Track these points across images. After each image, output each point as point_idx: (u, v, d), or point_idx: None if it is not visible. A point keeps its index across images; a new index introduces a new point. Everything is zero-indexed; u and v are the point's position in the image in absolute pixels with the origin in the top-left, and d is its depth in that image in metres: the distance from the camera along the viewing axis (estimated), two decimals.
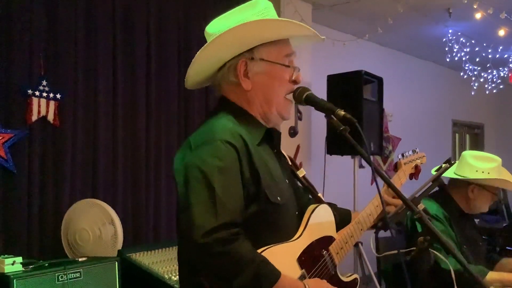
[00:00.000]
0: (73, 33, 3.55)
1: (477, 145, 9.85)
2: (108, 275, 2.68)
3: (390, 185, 1.42)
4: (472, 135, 9.99)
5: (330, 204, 1.90)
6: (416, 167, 1.90)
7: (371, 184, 4.77)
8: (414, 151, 1.93)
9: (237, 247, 1.34)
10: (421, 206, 1.49)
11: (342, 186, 4.83)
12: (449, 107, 8.71)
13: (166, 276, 2.73)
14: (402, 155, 1.90)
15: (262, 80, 1.58)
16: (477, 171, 2.67)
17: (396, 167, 1.86)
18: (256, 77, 1.57)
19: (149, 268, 2.75)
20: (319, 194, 1.77)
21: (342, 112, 1.47)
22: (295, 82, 1.63)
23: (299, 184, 1.76)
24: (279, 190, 1.53)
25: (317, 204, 1.69)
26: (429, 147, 7.13)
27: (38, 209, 3.33)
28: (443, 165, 1.52)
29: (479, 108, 9.38)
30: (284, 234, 1.55)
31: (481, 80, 7.21)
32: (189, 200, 1.39)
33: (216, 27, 1.58)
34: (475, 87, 7.26)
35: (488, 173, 2.66)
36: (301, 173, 1.77)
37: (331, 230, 1.71)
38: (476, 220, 6.43)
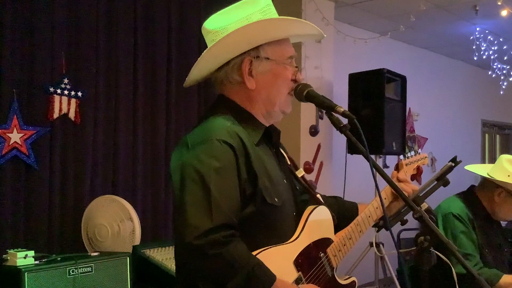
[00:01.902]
0: (94, 32, 3.62)
1: (508, 146, 9.60)
2: (120, 270, 2.71)
3: (390, 183, 1.40)
4: (503, 136, 9.74)
5: (335, 198, 1.90)
6: (418, 168, 1.87)
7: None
8: (416, 152, 1.90)
9: (231, 249, 1.32)
10: (424, 205, 1.46)
11: (364, 185, 4.77)
12: (478, 106, 8.51)
13: None
14: (404, 156, 1.87)
15: (267, 79, 1.56)
16: (509, 175, 2.57)
17: (397, 168, 1.83)
18: (260, 76, 1.56)
19: (162, 264, 2.78)
20: (318, 195, 1.73)
21: (342, 109, 1.45)
22: (295, 80, 1.61)
23: (298, 184, 1.73)
24: (276, 191, 1.51)
25: (315, 206, 1.66)
26: (457, 147, 7.03)
27: (59, 204, 3.40)
28: (448, 164, 1.49)
29: (509, 108, 9.14)
30: (281, 235, 1.52)
31: (510, 79, 7.02)
32: (184, 200, 1.37)
33: (215, 23, 1.58)
34: (504, 86, 7.07)
35: None
36: (300, 173, 1.73)
37: (328, 232, 1.67)
38: (504, 223, 6.31)
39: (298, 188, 1.72)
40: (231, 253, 1.31)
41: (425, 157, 1.95)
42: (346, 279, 1.71)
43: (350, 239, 1.68)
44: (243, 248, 1.36)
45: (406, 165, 1.85)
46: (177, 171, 1.44)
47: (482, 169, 2.74)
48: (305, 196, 1.74)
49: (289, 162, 1.74)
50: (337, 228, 1.71)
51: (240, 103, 1.59)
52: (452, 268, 1.44)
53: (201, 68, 1.60)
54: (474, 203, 2.69)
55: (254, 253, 1.40)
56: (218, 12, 1.60)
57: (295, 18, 1.58)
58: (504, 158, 2.66)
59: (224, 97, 1.61)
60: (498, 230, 2.80)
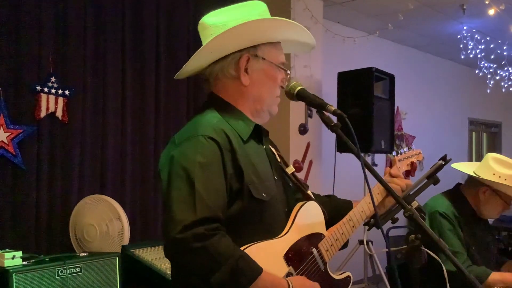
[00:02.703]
0: (82, 30, 3.58)
1: (495, 144, 9.69)
2: (109, 270, 2.69)
3: (381, 182, 1.40)
4: (490, 134, 9.83)
5: (328, 196, 1.90)
6: (412, 164, 1.88)
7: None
8: (409, 148, 1.90)
9: (214, 242, 1.33)
10: (415, 204, 1.46)
11: (353, 184, 4.79)
12: (465, 105, 8.58)
13: (168, 272, 2.73)
14: (397, 152, 1.88)
15: (260, 78, 1.60)
16: (494, 174, 2.58)
17: (390, 164, 1.84)
18: (254, 74, 1.59)
19: (151, 264, 2.76)
20: (309, 191, 1.74)
21: (333, 108, 1.46)
22: (282, 87, 1.65)
23: (290, 181, 1.74)
24: (264, 187, 1.52)
25: (304, 202, 1.67)
26: (444, 146, 7.07)
27: (46, 204, 3.37)
28: (438, 162, 1.49)
29: (496, 106, 9.23)
30: (271, 231, 1.53)
31: (497, 77, 7.09)
32: (171, 196, 1.39)
33: (215, 19, 1.59)
34: (491, 85, 7.14)
35: (505, 179, 2.56)
36: (290, 170, 1.74)
37: (320, 227, 1.68)
38: (491, 220, 6.36)
39: (291, 185, 1.73)
40: (214, 246, 1.32)
41: (419, 152, 1.95)
42: (341, 274, 1.71)
43: (342, 234, 1.69)
44: (227, 241, 1.36)
45: (399, 161, 1.85)
46: (165, 168, 1.46)
47: (468, 168, 2.75)
48: (298, 195, 1.75)
49: (279, 160, 1.74)
50: (331, 225, 1.71)
51: (229, 99, 1.61)
52: (443, 266, 1.45)
53: (199, 59, 1.60)
54: (461, 201, 2.70)
55: (242, 248, 1.41)
56: (216, 11, 1.62)
57: (296, 23, 1.62)
58: (490, 157, 2.67)
59: (213, 94, 1.64)
60: (485, 228, 2.81)
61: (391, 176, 1.80)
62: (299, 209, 1.62)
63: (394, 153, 1.86)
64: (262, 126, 1.68)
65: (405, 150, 1.89)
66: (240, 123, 1.57)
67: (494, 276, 2.44)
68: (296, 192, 1.75)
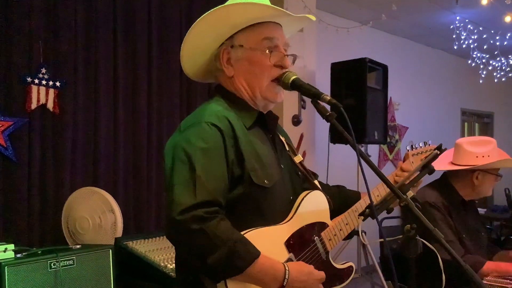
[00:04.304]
0: (72, 19, 3.53)
1: (487, 134, 9.73)
2: (102, 262, 2.67)
3: (375, 170, 1.39)
4: (482, 124, 9.88)
5: (337, 187, 1.92)
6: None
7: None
8: (425, 143, 1.89)
9: (213, 225, 1.36)
10: (410, 194, 1.45)
11: (346, 174, 4.80)
12: (457, 95, 8.61)
13: (162, 264, 2.72)
14: (412, 146, 1.86)
15: (243, 66, 1.61)
16: (477, 157, 2.63)
17: (404, 158, 1.83)
18: (237, 64, 1.61)
19: (145, 256, 2.75)
20: (316, 181, 1.75)
21: (328, 97, 1.45)
22: (281, 66, 1.61)
23: (297, 170, 1.75)
24: (267, 174, 1.53)
25: (309, 190, 1.67)
26: (437, 136, 7.09)
27: (38, 197, 3.34)
28: (433, 152, 1.48)
29: (489, 96, 9.26)
30: (272, 218, 1.54)
31: (490, 68, 7.11)
32: (173, 180, 1.43)
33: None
34: (483, 75, 7.16)
35: (489, 156, 2.62)
36: (297, 159, 1.75)
37: (324, 217, 1.69)
38: (483, 210, 6.41)
39: (299, 174, 1.74)
40: (212, 229, 1.35)
41: (434, 148, 1.92)
42: (343, 263, 1.72)
43: (347, 224, 1.71)
44: (226, 224, 1.39)
45: (413, 155, 1.84)
46: (169, 154, 1.51)
47: (446, 162, 2.78)
48: (306, 184, 1.75)
49: (287, 148, 1.75)
50: (338, 215, 1.73)
51: (230, 90, 1.65)
52: (438, 256, 1.45)
53: (189, 60, 1.66)
54: (449, 191, 2.72)
55: (242, 232, 1.43)
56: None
57: (252, 2, 1.57)
58: (462, 143, 2.73)
59: (219, 85, 1.68)
60: (474, 215, 2.85)
61: (402, 170, 1.81)
62: (304, 197, 1.64)
63: (408, 147, 1.85)
64: (272, 113, 1.70)
65: (420, 145, 1.87)
66: (243, 112, 1.60)
67: (489, 265, 2.46)
68: (304, 182, 1.75)
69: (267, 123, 1.66)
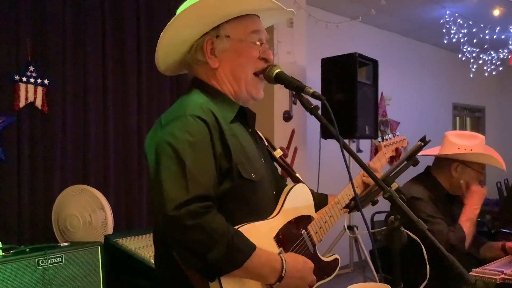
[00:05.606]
0: (60, 17, 3.51)
1: (478, 128, 9.78)
2: (91, 260, 2.66)
3: (360, 164, 1.40)
4: (473, 119, 9.92)
5: None
6: (397, 150, 1.92)
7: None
8: (394, 135, 1.95)
9: (209, 220, 1.32)
10: (394, 185, 1.46)
11: (338, 170, 4.80)
12: (449, 90, 8.64)
13: (152, 260, 2.72)
14: (382, 138, 1.91)
15: (229, 57, 1.56)
16: (459, 148, 2.63)
17: (376, 150, 1.87)
18: (222, 55, 1.56)
19: (135, 253, 2.74)
20: (297, 174, 1.75)
21: (311, 90, 1.44)
22: (265, 60, 1.60)
23: (277, 164, 1.75)
24: (253, 167, 1.51)
25: (294, 184, 1.68)
26: (428, 131, 7.09)
27: (28, 196, 3.32)
28: (417, 143, 1.49)
29: (480, 91, 9.30)
30: (260, 212, 1.53)
31: (480, 62, 7.13)
32: (160, 176, 1.37)
33: (182, 6, 1.56)
34: (473, 69, 7.18)
35: (471, 150, 2.61)
36: (277, 153, 1.75)
37: (309, 210, 1.69)
38: None
39: (277, 168, 1.74)
40: (209, 223, 1.31)
41: (404, 139, 2.00)
42: (329, 256, 1.73)
43: (331, 216, 1.71)
44: (221, 219, 1.36)
45: (385, 146, 1.90)
46: (152, 150, 1.44)
47: (432, 152, 2.79)
48: (285, 180, 1.75)
49: (266, 143, 1.74)
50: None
51: (210, 83, 1.60)
52: (422, 246, 1.45)
53: (165, 51, 1.60)
54: (433, 184, 2.72)
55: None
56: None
57: None
58: (449, 135, 2.73)
59: (197, 78, 1.62)
60: (460, 207, 2.85)
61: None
62: (289, 191, 1.63)
63: (379, 139, 1.89)
64: (249, 109, 1.67)
65: (390, 136, 1.93)
66: (225, 105, 1.56)
67: (464, 224, 2.49)
68: (282, 178, 1.75)
69: (247, 117, 1.64)
